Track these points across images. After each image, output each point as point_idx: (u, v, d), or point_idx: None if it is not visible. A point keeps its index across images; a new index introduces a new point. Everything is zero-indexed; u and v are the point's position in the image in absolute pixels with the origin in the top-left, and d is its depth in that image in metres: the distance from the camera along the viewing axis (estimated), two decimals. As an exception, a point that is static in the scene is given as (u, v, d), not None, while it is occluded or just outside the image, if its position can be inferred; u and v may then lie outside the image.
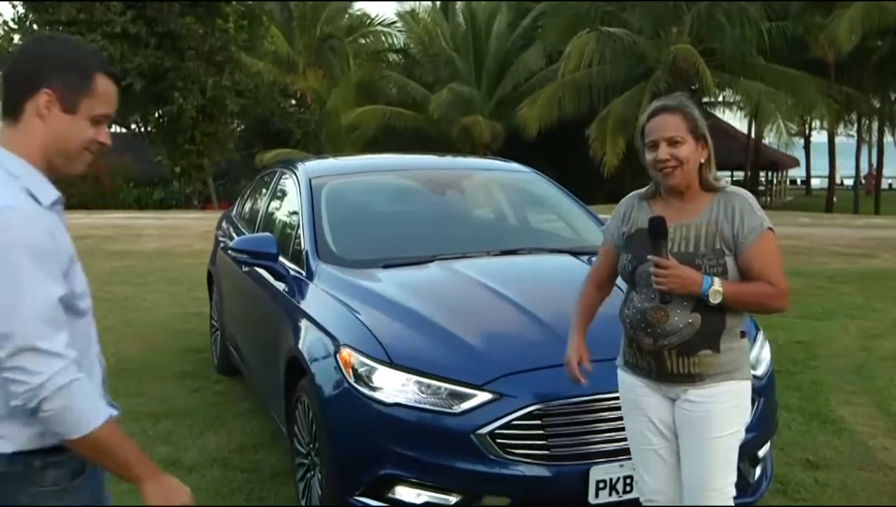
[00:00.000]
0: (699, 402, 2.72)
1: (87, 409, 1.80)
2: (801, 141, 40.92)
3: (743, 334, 2.77)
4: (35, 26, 25.86)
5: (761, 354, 3.79)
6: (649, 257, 2.65)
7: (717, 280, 2.62)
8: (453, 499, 3.25)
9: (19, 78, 1.89)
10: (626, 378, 2.91)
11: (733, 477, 2.78)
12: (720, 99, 31.51)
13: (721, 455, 2.74)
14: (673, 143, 2.68)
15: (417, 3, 42.96)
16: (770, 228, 2.70)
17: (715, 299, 2.61)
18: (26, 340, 1.74)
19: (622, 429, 3.18)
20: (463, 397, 3.25)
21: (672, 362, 2.71)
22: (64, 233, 1.88)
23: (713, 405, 2.71)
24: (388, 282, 4.10)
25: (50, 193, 1.89)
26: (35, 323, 1.75)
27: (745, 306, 2.73)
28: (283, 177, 5.52)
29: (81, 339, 1.91)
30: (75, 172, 1.97)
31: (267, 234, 4.97)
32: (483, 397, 3.24)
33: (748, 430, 3.43)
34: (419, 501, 3.29)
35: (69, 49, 1.94)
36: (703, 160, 2.72)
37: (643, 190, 2.90)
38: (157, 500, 1.89)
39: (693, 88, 25.77)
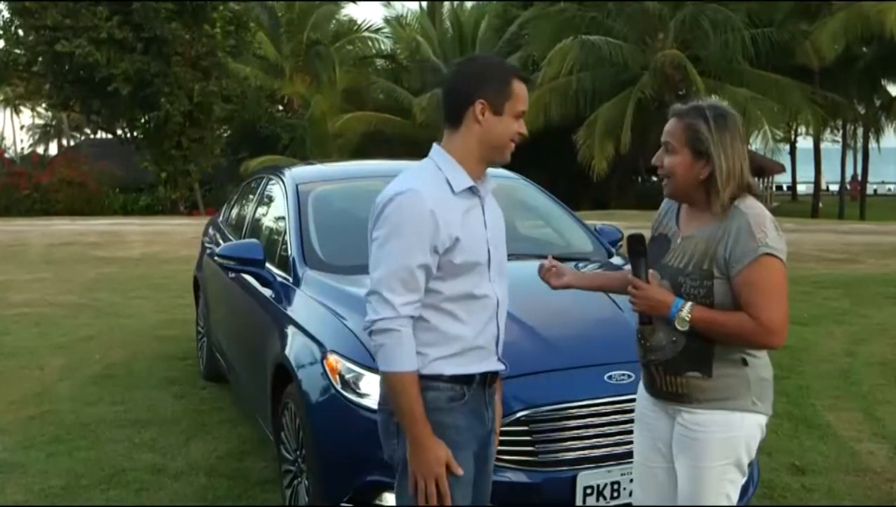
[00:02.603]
0: (691, 429, 2.54)
1: (397, 355, 2.29)
2: (787, 147, 41.14)
3: (745, 362, 2.50)
4: (21, 32, 25.76)
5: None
6: (628, 276, 2.56)
7: (687, 306, 2.41)
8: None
9: (458, 94, 2.38)
10: (640, 388, 2.78)
11: None
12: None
13: (709, 486, 2.51)
14: (668, 149, 2.51)
15: (404, 7, 43.03)
16: (769, 254, 2.39)
17: (681, 327, 2.42)
18: (378, 286, 2.32)
19: (609, 435, 3.17)
20: (450, 404, 3.23)
21: (660, 379, 2.59)
22: (458, 215, 2.35)
23: (702, 435, 2.51)
24: (375, 288, 4.08)
25: (463, 181, 2.38)
26: (389, 277, 2.30)
27: (721, 338, 2.46)
28: (270, 183, 5.49)
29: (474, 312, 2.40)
30: (503, 161, 2.46)
31: (253, 240, 4.96)
32: (470, 403, 3.23)
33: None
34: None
35: (491, 64, 2.46)
36: (702, 177, 2.46)
37: None
38: (415, 462, 2.30)
39: (680, 93, 25.91)
